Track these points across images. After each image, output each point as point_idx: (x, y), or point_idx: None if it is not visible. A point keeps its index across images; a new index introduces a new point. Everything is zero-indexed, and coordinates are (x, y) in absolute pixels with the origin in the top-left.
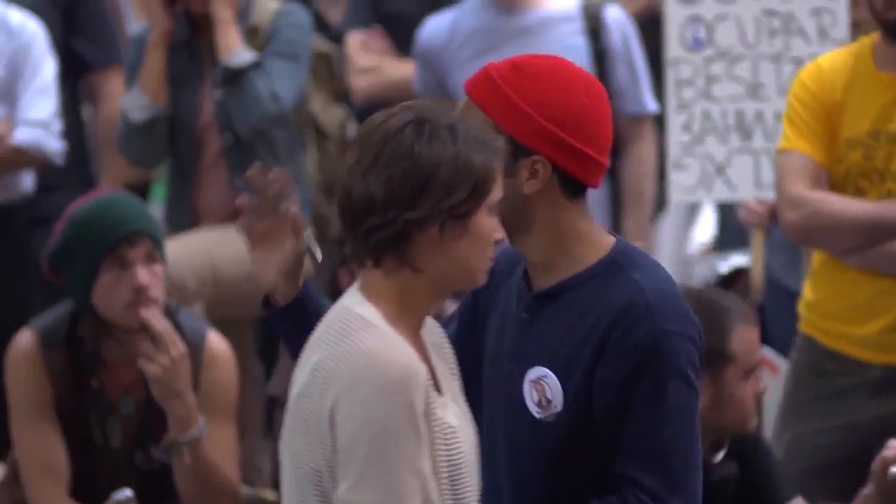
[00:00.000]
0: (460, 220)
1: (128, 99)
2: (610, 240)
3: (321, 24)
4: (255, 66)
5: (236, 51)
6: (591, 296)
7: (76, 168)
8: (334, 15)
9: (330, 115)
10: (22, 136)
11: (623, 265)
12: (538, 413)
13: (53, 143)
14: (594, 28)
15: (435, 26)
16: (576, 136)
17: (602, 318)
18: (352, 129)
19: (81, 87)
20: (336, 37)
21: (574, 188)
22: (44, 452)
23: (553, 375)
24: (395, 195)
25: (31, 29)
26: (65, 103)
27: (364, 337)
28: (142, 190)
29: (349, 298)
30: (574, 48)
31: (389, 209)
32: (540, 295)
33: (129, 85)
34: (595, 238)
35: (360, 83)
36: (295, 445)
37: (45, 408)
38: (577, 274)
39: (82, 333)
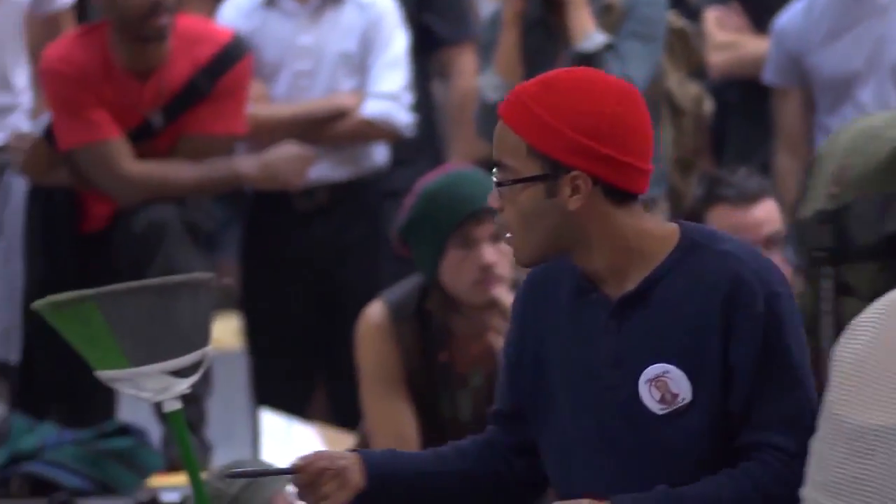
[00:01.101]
0: None
1: (484, 79)
2: (673, 226)
3: (677, 1)
4: (609, 47)
5: (589, 35)
6: (686, 281)
7: (426, 143)
8: None
9: (685, 91)
10: (371, 108)
11: (703, 243)
12: (661, 409)
13: (403, 116)
14: None
15: (791, 9)
16: (611, 146)
17: (713, 298)
18: (707, 105)
19: (432, 63)
20: (693, 13)
21: (621, 196)
22: (395, 424)
23: (675, 369)
24: None
25: (383, 3)
26: (415, 78)
27: None
28: (490, 166)
29: None
30: None
31: None
32: (626, 298)
33: (484, 65)
34: (659, 230)
35: (716, 59)
36: None
37: (396, 380)
38: (658, 267)
39: (431, 307)
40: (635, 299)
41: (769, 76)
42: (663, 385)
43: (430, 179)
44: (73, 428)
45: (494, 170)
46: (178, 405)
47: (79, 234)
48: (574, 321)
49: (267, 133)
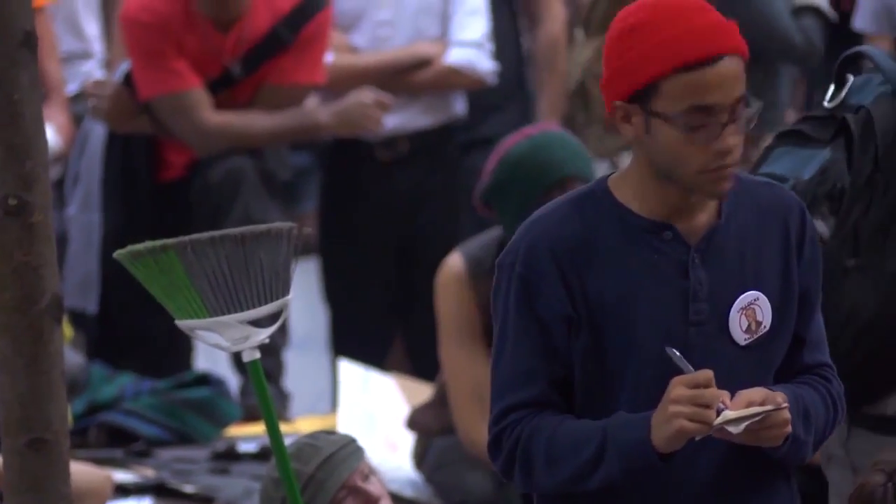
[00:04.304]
0: None
1: None
2: None
3: None
4: None
5: None
6: (751, 211)
7: (514, 90)
8: None
9: None
10: (455, 56)
11: (738, 174)
12: (745, 339)
13: (486, 64)
14: None
15: None
16: None
17: (788, 226)
18: None
19: (520, 8)
20: None
21: None
22: (472, 376)
23: (763, 296)
24: None
25: None
26: (503, 24)
27: None
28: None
29: None
30: None
31: None
32: (715, 229)
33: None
34: None
35: None
36: None
37: (474, 332)
38: (727, 198)
39: None
40: (718, 231)
41: (859, 23)
42: (752, 313)
43: (513, 143)
44: (151, 378)
45: (737, 110)
46: (256, 355)
47: (156, 182)
48: (640, 262)
49: (351, 83)
